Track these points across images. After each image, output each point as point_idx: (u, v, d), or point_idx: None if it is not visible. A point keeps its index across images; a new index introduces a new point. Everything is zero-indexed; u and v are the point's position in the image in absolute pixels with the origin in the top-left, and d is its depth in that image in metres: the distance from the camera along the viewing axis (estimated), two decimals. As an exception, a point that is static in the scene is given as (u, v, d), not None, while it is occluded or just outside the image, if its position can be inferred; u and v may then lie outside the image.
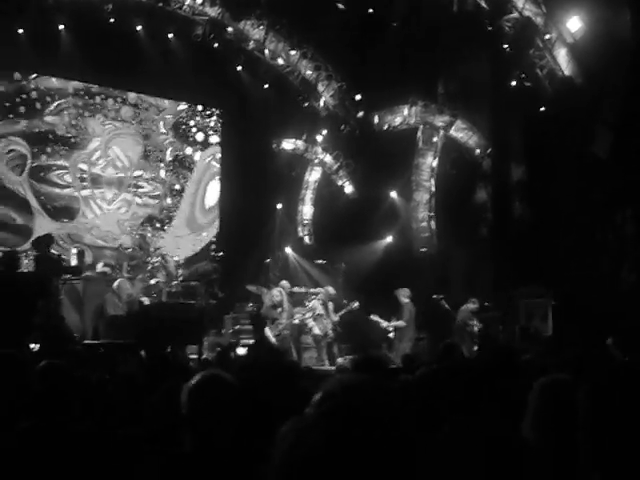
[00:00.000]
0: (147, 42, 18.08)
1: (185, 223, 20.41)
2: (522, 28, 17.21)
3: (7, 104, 17.61)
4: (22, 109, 17.82)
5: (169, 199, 20.14)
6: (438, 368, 4.06)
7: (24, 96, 17.85)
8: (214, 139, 21.09)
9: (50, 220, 17.95)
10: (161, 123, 20.10)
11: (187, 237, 20.32)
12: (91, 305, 14.24)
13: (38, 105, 18.05)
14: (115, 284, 14.01)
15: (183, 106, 20.60)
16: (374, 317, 16.22)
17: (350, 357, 14.54)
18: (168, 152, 20.15)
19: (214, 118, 21.10)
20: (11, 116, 17.69)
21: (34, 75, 17.99)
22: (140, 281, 16.26)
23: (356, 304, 15.93)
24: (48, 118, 18.17)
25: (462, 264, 19.65)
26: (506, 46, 17.80)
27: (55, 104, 18.27)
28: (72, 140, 18.50)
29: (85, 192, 18.66)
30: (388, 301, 16.28)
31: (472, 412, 3.48)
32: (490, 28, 17.43)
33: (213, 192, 21.04)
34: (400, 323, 15.89)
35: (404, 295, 15.93)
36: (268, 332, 14.75)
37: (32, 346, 11.37)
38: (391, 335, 15.98)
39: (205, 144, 20.90)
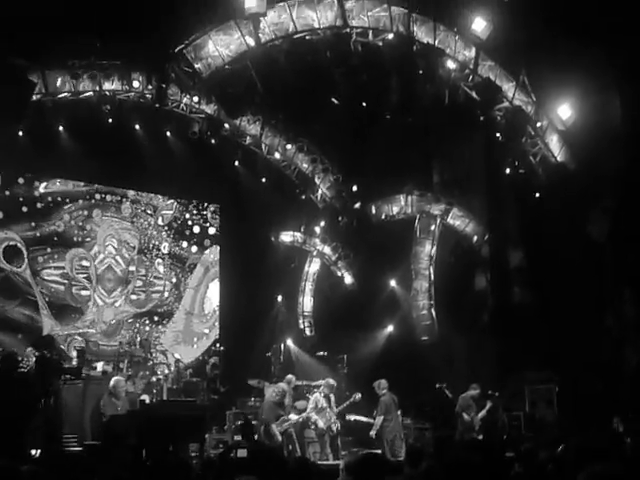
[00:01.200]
0: (145, 140, 18.29)
1: (182, 328, 20.38)
2: (513, 117, 17.50)
3: (12, 208, 17.80)
4: (27, 213, 17.98)
5: (166, 293, 20.14)
6: (433, 465, 4.04)
7: (30, 202, 18.07)
8: (211, 230, 21.20)
9: (52, 319, 17.90)
10: (159, 219, 20.24)
11: (185, 346, 20.28)
12: (91, 405, 14.09)
13: (43, 210, 18.26)
14: (111, 383, 13.89)
15: (180, 202, 20.76)
16: (353, 417, 15.97)
17: (351, 453, 14.38)
18: (164, 247, 20.23)
19: (211, 209, 21.25)
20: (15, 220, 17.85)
21: (37, 183, 18.23)
22: (141, 378, 16.14)
23: (358, 396, 15.75)
24: (53, 223, 18.33)
25: (464, 351, 19.56)
26: (498, 135, 18.06)
27: (61, 210, 18.47)
28: (74, 240, 18.61)
29: (84, 292, 18.66)
30: (391, 390, 16.10)
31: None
32: (482, 118, 17.70)
33: (213, 294, 21.10)
34: (377, 421, 15.44)
35: (381, 387, 15.60)
36: (274, 430, 14.59)
37: (33, 452, 11.25)
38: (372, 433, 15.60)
39: (202, 237, 21.00)
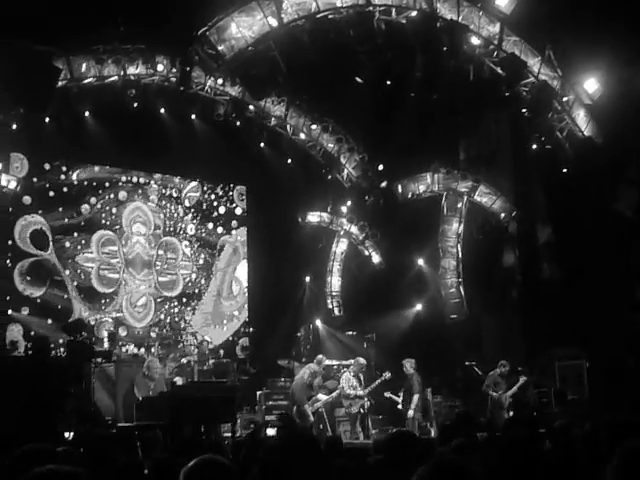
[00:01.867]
0: (170, 124, 18.37)
1: (212, 310, 20.51)
2: (539, 92, 17.34)
3: (40, 194, 17.93)
4: (54, 198, 18.13)
5: (194, 275, 20.25)
6: (463, 441, 4.05)
7: (57, 187, 18.20)
8: (238, 211, 21.29)
9: (81, 303, 18.07)
10: (186, 201, 20.34)
11: (215, 328, 20.41)
12: (123, 388, 14.24)
13: (70, 195, 18.41)
14: (145, 365, 14.02)
15: (207, 184, 20.85)
16: (388, 394, 15.99)
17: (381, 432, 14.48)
18: (190, 229, 20.34)
19: (237, 191, 21.32)
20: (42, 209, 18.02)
21: (64, 169, 18.36)
22: (172, 360, 16.29)
23: (388, 374, 15.80)
24: (80, 208, 18.49)
25: (493, 328, 19.54)
26: (524, 110, 17.93)
27: (88, 194, 18.63)
28: (102, 223, 18.76)
29: (113, 274, 18.81)
30: (420, 369, 16.13)
31: None
32: (507, 94, 17.57)
33: (241, 275, 21.21)
34: (414, 398, 15.53)
35: (411, 366, 15.65)
36: (307, 410, 14.72)
37: (66, 435, 11.39)
38: (399, 407, 15.66)
39: (229, 218, 21.08)
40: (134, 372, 14.39)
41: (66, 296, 17.89)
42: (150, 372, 13.62)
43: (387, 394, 15.94)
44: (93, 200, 18.71)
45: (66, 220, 18.21)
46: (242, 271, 21.19)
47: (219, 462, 3.47)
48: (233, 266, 21.09)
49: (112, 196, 19.03)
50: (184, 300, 19.91)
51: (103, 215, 18.85)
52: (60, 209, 18.14)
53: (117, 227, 19.05)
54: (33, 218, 17.69)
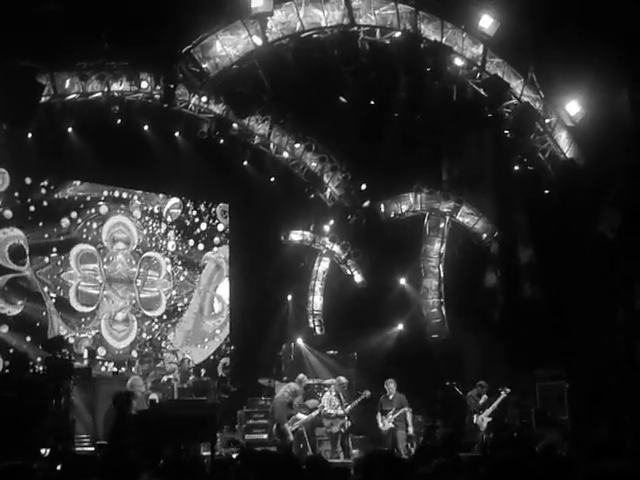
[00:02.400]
0: (154, 141, 18.33)
1: (192, 328, 20.43)
2: (521, 113, 17.44)
3: (20, 209, 17.88)
4: (34, 213, 18.07)
5: (174, 292, 20.20)
6: (444, 462, 4.03)
7: (37, 202, 18.17)
8: (220, 227, 21.30)
9: (61, 319, 17.95)
10: (168, 217, 20.34)
11: (195, 346, 20.34)
12: (103, 405, 14.16)
13: (50, 210, 18.37)
14: (128, 383, 13.96)
15: (189, 202, 20.86)
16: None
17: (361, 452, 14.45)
18: (172, 246, 20.31)
19: (220, 209, 21.33)
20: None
21: (45, 184, 18.30)
22: (151, 378, 16.21)
23: (368, 393, 15.81)
24: (60, 223, 18.43)
25: (475, 348, 19.55)
26: (507, 131, 18.02)
27: (69, 210, 18.61)
28: (82, 237, 18.70)
29: (92, 291, 18.71)
30: (401, 388, 16.12)
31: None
32: (490, 115, 17.66)
33: (223, 293, 21.19)
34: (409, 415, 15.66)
35: (394, 386, 15.82)
36: (287, 429, 14.68)
37: (43, 451, 11.30)
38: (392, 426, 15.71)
39: (211, 236, 21.07)
40: (114, 389, 14.30)
41: (44, 313, 17.78)
42: (134, 389, 13.56)
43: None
44: (74, 215, 18.66)
45: (46, 235, 18.13)
46: (224, 289, 21.15)
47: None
48: (215, 284, 21.05)
49: (93, 211, 18.99)
50: (165, 317, 19.83)
51: (84, 230, 18.79)
52: (40, 224, 18.07)
53: (98, 243, 18.98)
54: (12, 232, 17.61)
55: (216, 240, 21.20)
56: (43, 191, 18.27)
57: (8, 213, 17.54)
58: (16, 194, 17.78)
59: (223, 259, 21.29)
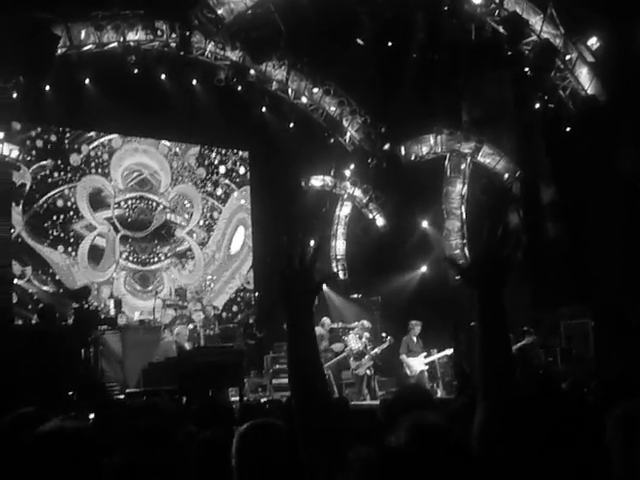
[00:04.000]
0: (171, 90, 18.28)
1: (215, 274, 20.60)
2: (541, 50, 17.19)
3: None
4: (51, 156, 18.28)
5: (195, 235, 20.36)
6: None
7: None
8: (241, 170, 21.37)
9: (87, 268, 18.12)
10: (188, 161, 20.43)
11: (220, 294, 20.49)
12: (131, 354, 14.34)
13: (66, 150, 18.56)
14: (175, 331, 14.22)
15: (209, 149, 20.95)
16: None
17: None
18: (192, 188, 20.45)
19: (240, 156, 21.39)
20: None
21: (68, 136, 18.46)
22: (178, 326, 16.36)
23: (391, 339, 15.94)
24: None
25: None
26: (527, 69, 17.79)
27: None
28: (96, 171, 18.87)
29: (113, 234, 18.88)
30: (426, 332, 16.21)
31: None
32: (510, 53, 17.43)
33: (238, 238, 21.28)
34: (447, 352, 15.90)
35: (419, 328, 16.00)
36: None
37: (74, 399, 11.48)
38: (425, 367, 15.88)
39: (231, 179, 21.14)
40: (141, 338, 14.51)
41: (72, 262, 17.97)
42: (179, 338, 13.78)
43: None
44: (84, 147, 18.85)
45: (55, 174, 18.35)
46: (244, 233, 21.25)
47: (273, 425, 3.42)
48: (235, 225, 21.13)
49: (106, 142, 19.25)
50: (185, 261, 20.00)
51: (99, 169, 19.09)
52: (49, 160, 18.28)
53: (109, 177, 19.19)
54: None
55: (236, 184, 21.25)
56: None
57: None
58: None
59: (244, 202, 21.35)
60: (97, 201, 18.81)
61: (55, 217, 18.04)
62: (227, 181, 21.18)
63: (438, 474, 1.50)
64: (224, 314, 19.02)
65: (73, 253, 18.04)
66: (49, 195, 18.02)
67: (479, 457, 2.37)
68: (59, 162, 18.33)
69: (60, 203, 18.21)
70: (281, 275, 2.60)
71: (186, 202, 20.36)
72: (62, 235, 18.04)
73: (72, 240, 18.15)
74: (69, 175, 18.47)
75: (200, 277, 20.23)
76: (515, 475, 2.41)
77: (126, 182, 19.30)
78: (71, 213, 18.32)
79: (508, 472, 2.37)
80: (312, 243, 2.59)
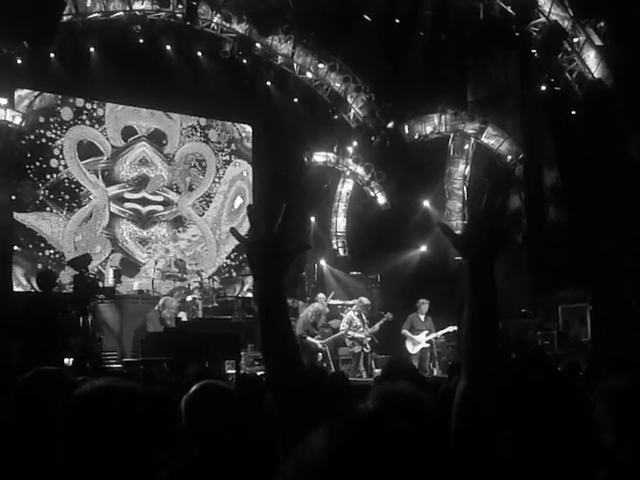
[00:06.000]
0: (176, 61, 18.22)
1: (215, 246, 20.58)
2: (549, 32, 17.11)
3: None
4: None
5: (192, 201, 20.39)
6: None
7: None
8: (244, 143, 21.35)
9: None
10: (189, 132, 20.41)
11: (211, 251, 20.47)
12: (129, 324, 14.35)
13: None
14: (160, 302, 14.16)
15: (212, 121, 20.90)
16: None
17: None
18: (194, 157, 20.50)
19: (243, 129, 21.37)
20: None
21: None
22: (176, 298, 16.37)
23: (390, 315, 15.96)
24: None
25: (498, 271, 19.48)
26: (534, 51, 17.71)
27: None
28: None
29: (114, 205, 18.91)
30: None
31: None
32: (517, 34, 17.35)
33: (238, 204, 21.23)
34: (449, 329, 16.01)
35: (426, 307, 16.11)
36: (310, 340, 14.89)
37: (66, 361, 11.51)
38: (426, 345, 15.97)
39: (233, 150, 21.14)
40: (139, 308, 14.52)
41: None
42: (165, 309, 13.76)
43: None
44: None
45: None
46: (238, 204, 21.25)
47: (220, 387, 3.49)
48: (231, 197, 21.10)
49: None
50: (183, 230, 20.01)
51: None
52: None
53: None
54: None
55: (237, 155, 21.25)
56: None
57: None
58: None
59: (245, 175, 21.32)
60: (86, 150, 18.64)
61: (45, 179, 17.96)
62: (227, 155, 21.07)
63: (404, 441, 1.47)
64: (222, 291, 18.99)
65: (64, 212, 18.06)
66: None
67: (455, 431, 2.35)
68: (50, 119, 18.20)
69: (53, 163, 18.12)
70: (245, 242, 2.54)
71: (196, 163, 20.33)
72: (52, 196, 18.01)
73: (60, 200, 18.11)
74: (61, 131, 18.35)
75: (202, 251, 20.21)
76: (488, 450, 2.39)
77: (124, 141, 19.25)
78: (60, 169, 18.19)
79: (481, 446, 2.35)
80: (284, 208, 2.52)
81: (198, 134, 20.54)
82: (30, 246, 17.40)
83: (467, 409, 2.34)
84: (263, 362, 2.68)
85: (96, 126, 18.80)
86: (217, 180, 20.74)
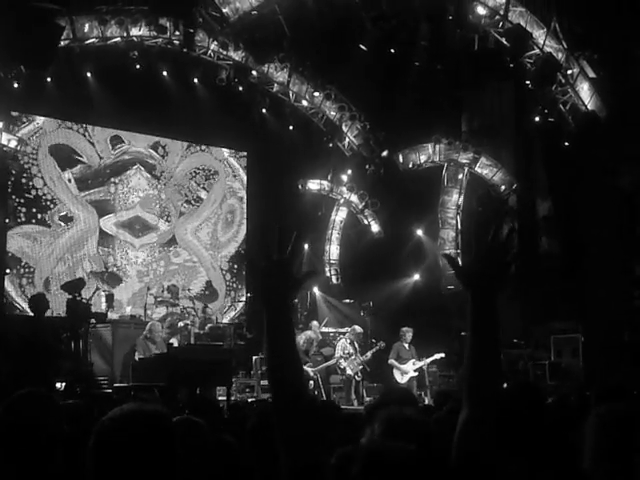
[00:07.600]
0: (172, 87, 18.31)
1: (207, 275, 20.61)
2: (544, 64, 17.24)
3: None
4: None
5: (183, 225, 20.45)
6: (456, 405, 4.04)
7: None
8: (238, 172, 21.41)
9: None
10: (182, 161, 20.47)
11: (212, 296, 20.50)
12: (121, 349, 14.31)
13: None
14: (147, 327, 14.09)
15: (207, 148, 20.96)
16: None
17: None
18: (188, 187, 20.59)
19: (237, 154, 21.45)
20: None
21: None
22: (167, 323, 16.33)
23: (382, 344, 15.93)
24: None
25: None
26: (528, 82, 17.84)
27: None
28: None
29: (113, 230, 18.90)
30: (415, 339, 16.18)
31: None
32: (512, 65, 17.48)
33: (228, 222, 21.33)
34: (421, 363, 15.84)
35: (410, 335, 16.00)
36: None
37: (58, 385, 11.46)
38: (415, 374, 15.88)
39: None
40: (131, 333, 14.48)
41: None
42: (152, 335, 13.71)
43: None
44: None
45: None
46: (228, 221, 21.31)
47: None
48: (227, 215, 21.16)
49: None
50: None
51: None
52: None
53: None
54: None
55: (234, 185, 21.30)
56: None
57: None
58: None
59: (239, 200, 21.40)
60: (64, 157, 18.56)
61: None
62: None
63: (410, 468, 1.48)
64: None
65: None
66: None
67: (457, 460, 2.38)
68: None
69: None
70: (258, 268, 2.57)
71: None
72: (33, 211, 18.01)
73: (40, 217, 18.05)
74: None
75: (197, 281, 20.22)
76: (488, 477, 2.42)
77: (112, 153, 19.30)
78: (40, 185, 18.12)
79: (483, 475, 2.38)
80: (294, 236, 2.53)
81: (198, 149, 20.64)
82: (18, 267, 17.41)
83: (469, 437, 2.37)
84: (269, 383, 2.68)
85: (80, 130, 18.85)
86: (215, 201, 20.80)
